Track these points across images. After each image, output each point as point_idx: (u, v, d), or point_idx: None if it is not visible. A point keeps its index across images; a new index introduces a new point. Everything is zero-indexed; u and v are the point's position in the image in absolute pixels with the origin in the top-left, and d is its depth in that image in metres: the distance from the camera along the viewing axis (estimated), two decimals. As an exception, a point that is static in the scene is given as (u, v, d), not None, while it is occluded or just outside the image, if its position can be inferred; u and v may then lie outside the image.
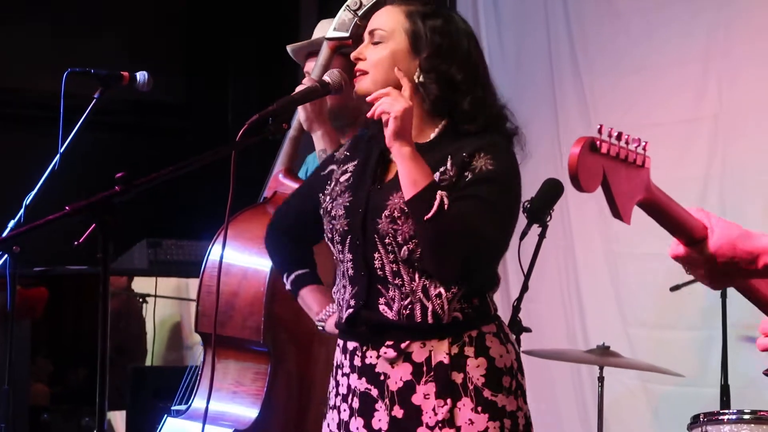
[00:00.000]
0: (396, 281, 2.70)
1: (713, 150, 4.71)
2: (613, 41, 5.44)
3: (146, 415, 3.81)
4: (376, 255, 2.72)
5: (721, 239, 2.04)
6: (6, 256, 3.15)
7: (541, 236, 3.99)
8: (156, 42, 7.03)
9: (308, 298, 2.99)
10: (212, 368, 3.43)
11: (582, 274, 5.47)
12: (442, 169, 2.67)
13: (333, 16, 3.43)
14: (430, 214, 2.53)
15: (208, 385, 3.41)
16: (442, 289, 2.66)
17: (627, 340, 4.97)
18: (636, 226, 5.27)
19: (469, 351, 2.67)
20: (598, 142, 1.85)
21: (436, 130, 2.78)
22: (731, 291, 4.32)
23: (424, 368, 2.68)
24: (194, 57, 7.14)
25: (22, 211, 3.19)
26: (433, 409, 2.64)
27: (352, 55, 2.83)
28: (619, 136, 1.90)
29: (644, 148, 1.94)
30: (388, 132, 2.58)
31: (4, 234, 3.10)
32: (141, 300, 7.33)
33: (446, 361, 2.66)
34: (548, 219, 3.99)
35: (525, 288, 3.95)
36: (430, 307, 2.67)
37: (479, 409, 2.64)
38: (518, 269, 3.98)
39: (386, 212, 2.67)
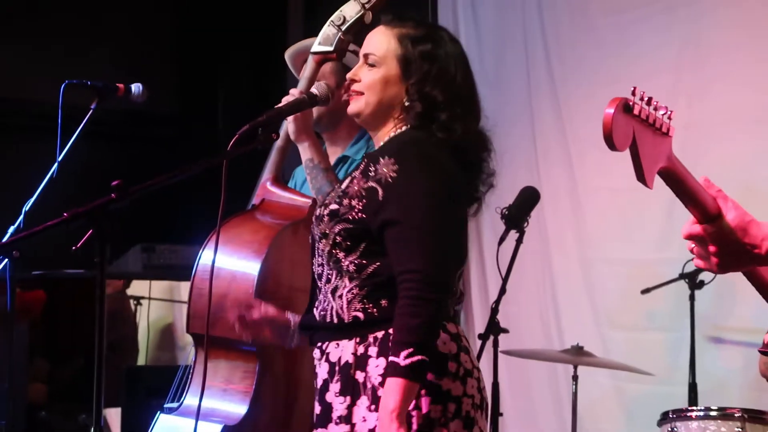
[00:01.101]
0: (321, 284, 2.76)
1: (682, 161, 4.69)
2: (588, 55, 5.46)
3: (140, 412, 3.83)
4: (314, 260, 2.79)
5: (737, 219, 2.04)
6: (6, 260, 3.15)
7: (519, 241, 4.01)
8: (150, 55, 7.03)
9: None
10: (204, 367, 3.44)
11: (557, 277, 5.48)
12: (356, 173, 2.72)
13: (319, 29, 3.46)
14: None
15: (199, 383, 3.42)
16: (345, 291, 2.69)
17: (600, 340, 4.98)
18: (609, 233, 5.33)
19: (373, 351, 2.65)
20: (631, 103, 1.86)
21: (390, 134, 2.80)
22: (699, 294, 4.38)
23: (337, 367, 2.70)
24: (186, 69, 7.15)
25: (21, 217, 3.19)
26: (338, 406, 2.67)
27: (348, 75, 2.84)
28: (649, 101, 1.91)
29: (669, 117, 1.94)
30: None
31: (4, 239, 3.10)
32: (135, 302, 7.35)
33: (351, 360, 2.68)
34: (525, 225, 4.01)
35: (503, 291, 3.97)
36: (335, 307, 2.70)
37: (373, 408, 2.62)
38: (496, 273, 4.00)
39: (314, 217, 2.75)
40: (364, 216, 2.65)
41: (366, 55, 2.81)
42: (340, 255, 2.70)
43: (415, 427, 2.62)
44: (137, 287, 7.19)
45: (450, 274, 2.69)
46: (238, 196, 3.52)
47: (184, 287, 6.06)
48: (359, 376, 2.65)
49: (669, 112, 1.97)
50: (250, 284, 3.36)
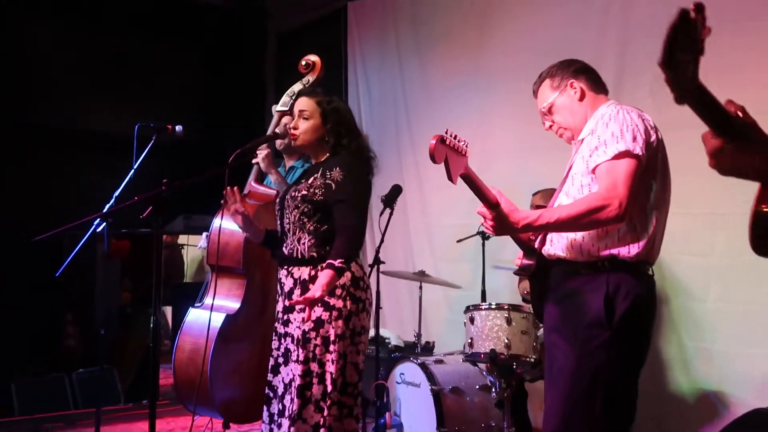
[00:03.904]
0: (289, 234, 2.76)
1: (480, 172, 4.71)
2: (428, 109, 5.48)
3: (182, 308, 3.81)
4: (285, 221, 2.80)
5: (506, 207, 2.14)
6: (104, 223, 3.12)
7: (390, 214, 4.02)
8: (187, 105, 6.98)
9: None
10: (215, 282, 3.43)
11: (412, 234, 5.53)
12: (316, 176, 2.75)
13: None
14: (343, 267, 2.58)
15: (212, 291, 3.42)
16: (306, 240, 2.72)
17: (434, 267, 5.03)
18: (440, 210, 5.27)
19: (320, 273, 2.64)
20: (445, 137, 1.92)
21: (325, 156, 2.84)
22: (487, 242, 4.41)
23: (298, 282, 2.73)
24: (209, 116, 7.08)
25: (112, 200, 3.15)
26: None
27: (290, 126, 2.88)
28: (455, 136, 1.97)
29: (467, 146, 2.02)
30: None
31: (104, 211, 3.06)
32: (181, 247, 7.32)
33: (306, 277, 2.71)
34: (394, 204, 4.03)
35: (382, 240, 3.99)
36: (300, 249, 2.72)
37: (319, 304, 2.65)
38: (378, 231, 4.02)
39: (288, 198, 2.76)
40: (323, 198, 2.69)
41: (301, 111, 2.85)
42: (305, 220, 2.72)
43: (345, 312, 2.71)
44: (182, 239, 7.21)
45: (363, 229, 2.75)
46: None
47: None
48: (311, 287, 2.65)
49: (466, 143, 2.02)
50: (241, 237, 3.36)
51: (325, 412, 2.65)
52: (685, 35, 1.11)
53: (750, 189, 1.45)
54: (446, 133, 1.95)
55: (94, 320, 5.68)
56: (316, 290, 2.50)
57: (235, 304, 3.39)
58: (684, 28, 1.11)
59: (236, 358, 3.38)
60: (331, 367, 2.67)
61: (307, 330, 2.68)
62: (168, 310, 6.66)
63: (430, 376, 3.74)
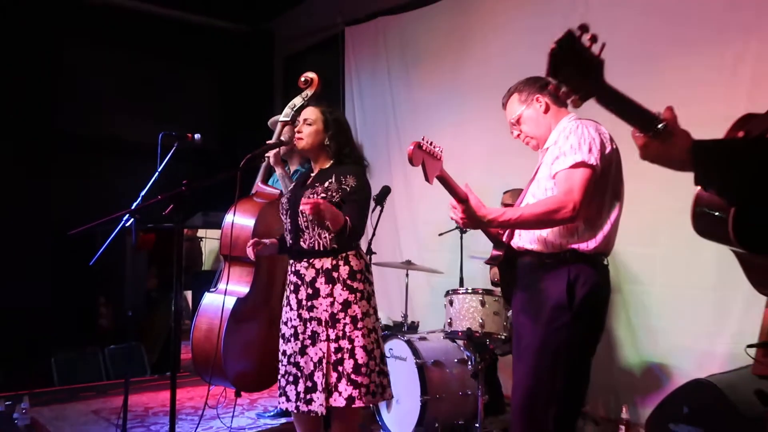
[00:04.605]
0: (307, 230, 2.71)
1: (454, 173, 4.72)
2: (412, 118, 5.47)
3: (200, 293, 3.80)
4: (299, 219, 2.73)
5: (474, 203, 2.12)
6: (132, 219, 3.09)
7: (381, 210, 4.01)
8: (203, 116, 6.93)
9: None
10: (228, 270, 3.40)
11: (400, 228, 5.51)
12: (330, 181, 2.70)
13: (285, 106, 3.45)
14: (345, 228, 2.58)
15: (225, 278, 3.40)
16: (326, 235, 2.67)
17: (419, 257, 4.97)
18: (424, 207, 5.25)
19: (341, 262, 2.67)
20: (421, 143, 1.90)
21: (330, 163, 2.80)
22: (465, 235, 4.39)
23: (321, 271, 2.69)
24: (222, 126, 7.05)
25: (139, 199, 3.12)
26: (324, 289, 2.67)
27: (296, 130, 2.84)
28: (431, 143, 1.95)
29: (441, 151, 1.99)
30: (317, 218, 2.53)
31: (132, 207, 3.03)
32: (199, 239, 7.27)
33: (330, 266, 2.67)
34: (384, 203, 4.01)
35: (374, 234, 3.98)
36: (321, 242, 2.68)
37: (343, 288, 2.65)
38: (370, 226, 3.99)
39: (303, 199, 2.68)
40: (339, 199, 2.66)
41: (305, 119, 2.82)
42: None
43: (365, 293, 2.70)
44: (200, 233, 7.14)
45: (365, 223, 2.73)
46: (246, 188, 3.49)
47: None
48: (335, 274, 2.65)
49: (441, 148, 2.01)
50: (250, 230, 3.34)
51: (366, 380, 2.62)
52: (569, 51, 1.12)
53: (688, 189, 1.45)
54: (423, 139, 1.94)
55: (124, 303, 5.66)
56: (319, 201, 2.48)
57: (244, 289, 3.38)
58: (567, 44, 1.12)
59: (246, 336, 3.37)
60: (364, 341, 2.64)
61: (335, 312, 2.66)
62: (188, 294, 6.63)
63: (415, 351, 3.73)
